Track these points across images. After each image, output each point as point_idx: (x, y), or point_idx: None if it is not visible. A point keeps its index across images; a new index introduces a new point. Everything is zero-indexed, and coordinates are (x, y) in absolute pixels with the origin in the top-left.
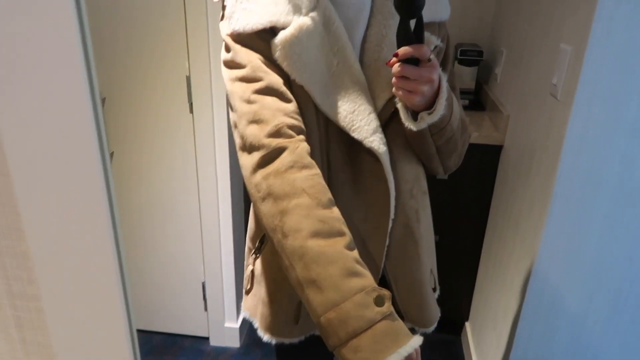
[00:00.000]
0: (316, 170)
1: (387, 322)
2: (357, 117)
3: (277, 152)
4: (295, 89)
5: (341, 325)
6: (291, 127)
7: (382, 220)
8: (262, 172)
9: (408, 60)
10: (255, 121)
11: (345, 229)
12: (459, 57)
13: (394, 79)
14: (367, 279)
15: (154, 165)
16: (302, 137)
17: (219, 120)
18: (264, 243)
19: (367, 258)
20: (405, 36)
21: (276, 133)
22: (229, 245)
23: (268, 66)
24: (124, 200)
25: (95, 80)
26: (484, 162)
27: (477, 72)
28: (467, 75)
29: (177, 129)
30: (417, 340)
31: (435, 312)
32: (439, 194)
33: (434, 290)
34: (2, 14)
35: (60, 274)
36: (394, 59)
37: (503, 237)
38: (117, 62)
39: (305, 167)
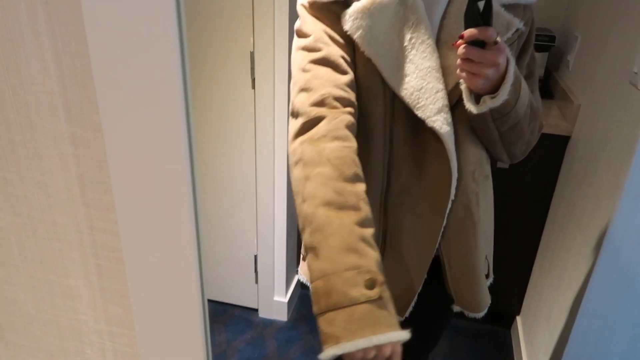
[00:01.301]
0: (350, 143)
1: (370, 306)
2: (424, 95)
3: (316, 120)
4: (364, 62)
5: (325, 295)
6: (337, 99)
7: (441, 200)
8: (300, 139)
9: (474, 43)
10: (305, 89)
11: (364, 206)
12: None
13: (458, 61)
14: (366, 260)
15: (214, 137)
16: (348, 109)
17: (280, 96)
18: None
19: (421, 236)
20: (472, 17)
21: (320, 102)
22: (282, 220)
23: (332, 38)
24: None
25: (185, 44)
26: (549, 153)
27: (547, 59)
28: (537, 61)
29: (239, 103)
30: (396, 335)
31: (486, 299)
32: (499, 182)
33: (487, 277)
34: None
35: (141, 230)
36: (460, 40)
37: (563, 232)
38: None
39: (338, 138)
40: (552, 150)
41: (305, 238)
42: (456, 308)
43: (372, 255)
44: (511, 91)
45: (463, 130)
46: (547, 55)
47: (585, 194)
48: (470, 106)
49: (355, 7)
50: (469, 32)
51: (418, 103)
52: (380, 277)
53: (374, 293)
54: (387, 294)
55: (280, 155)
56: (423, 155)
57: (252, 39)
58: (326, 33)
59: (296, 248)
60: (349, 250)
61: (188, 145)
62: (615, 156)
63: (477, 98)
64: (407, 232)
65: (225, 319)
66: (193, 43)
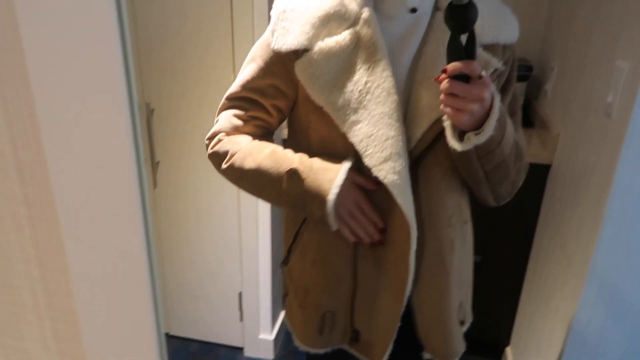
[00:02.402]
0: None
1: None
2: (372, 143)
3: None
4: (318, 110)
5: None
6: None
7: (405, 249)
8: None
9: (458, 77)
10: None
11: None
12: None
13: (442, 96)
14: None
15: (197, 174)
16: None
17: None
18: (291, 253)
19: (390, 284)
20: (456, 51)
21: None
22: (266, 256)
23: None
24: (167, 207)
25: (135, 92)
26: (531, 182)
27: (526, 88)
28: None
29: None
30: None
31: (459, 347)
32: (483, 212)
33: (463, 323)
34: (41, 16)
35: (96, 291)
36: (443, 75)
37: (549, 260)
38: (166, 76)
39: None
40: (534, 179)
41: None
42: (426, 355)
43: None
44: (496, 127)
45: (438, 174)
46: (526, 85)
47: (569, 221)
48: (454, 143)
49: (303, 58)
50: (453, 65)
51: (366, 150)
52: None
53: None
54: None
55: None
56: (385, 204)
57: (233, 76)
58: (269, 85)
59: (282, 283)
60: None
61: (141, 204)
62: (595, 184)
63: (460, 135)
64: (377, 280)
65: (210, 358)
66: (177, 82)
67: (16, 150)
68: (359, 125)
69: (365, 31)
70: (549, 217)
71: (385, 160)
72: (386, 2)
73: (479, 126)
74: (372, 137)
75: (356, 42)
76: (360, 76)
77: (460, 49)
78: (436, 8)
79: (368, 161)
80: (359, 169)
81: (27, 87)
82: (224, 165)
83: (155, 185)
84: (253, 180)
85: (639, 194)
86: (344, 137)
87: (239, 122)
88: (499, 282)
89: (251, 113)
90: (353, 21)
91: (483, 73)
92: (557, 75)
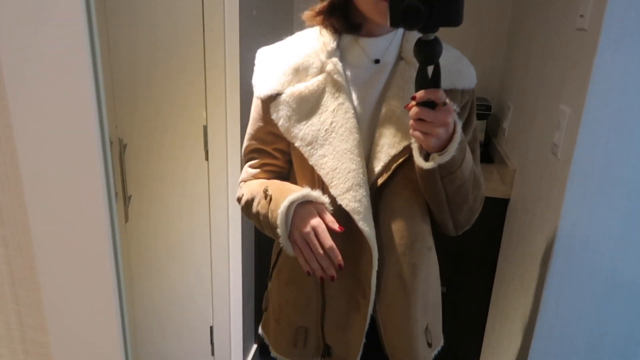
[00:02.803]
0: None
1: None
2: (337, 175)
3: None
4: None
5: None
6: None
7: (368, 269)
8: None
9: (425, 104)
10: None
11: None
12: None
13: (411, 121)
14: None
15: (168, 208)
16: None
17: (233, 168)
18: (273, 269)
19: (355, 300)
20: (423, 81)
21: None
22: (238, 290)
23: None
24: (138, 241)
25: (106, 127)
26: (492, 215)
27: (487, 125)
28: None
29: (193, 175)
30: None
31: None
32: (448, 244)
33: (431, 345)
34: (20, 50)
35: (69, 326)
36: (412, 102)
37: (509, 293)
38: (139, 111)
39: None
40: (494, 212)
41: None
42: None
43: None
44: (458, 149)
45: (398, 203)
46: (486, 122)
47: (524, 254)
48: (420, 162)
49: (279, 99)
50: (421, 93)
51: (332, 182)
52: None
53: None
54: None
55: (234, 225)
56: (350, 231)
57: (205, 113)
58: (261, 129)
59: (253, 316)
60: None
61: (111, 240)
62: (546, 219)
63: (426, 157)
64: (344, 298)
65: None
66: (150, 117)
67: None
68: (325, 159)
69: (331, 78)
70: (508, 250)
71: (348, 190)
72: (352, 54)
73: (442, 148)
74: (337, 170)
75: (323, 88)
76: (327, 117)
77: (427, 79)
78: (400, 57)
79: (333, 191)
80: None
81: (10, 134)
82: (241, 206)
83: (126, 219)
84: (248, 207)
85: (584, 234)
86: (312, 170)
87: (254, 171)
88: (465, 312)
89: (261, 161)
90: (321, 69)
91: (447, 100)
92: (513, 114)
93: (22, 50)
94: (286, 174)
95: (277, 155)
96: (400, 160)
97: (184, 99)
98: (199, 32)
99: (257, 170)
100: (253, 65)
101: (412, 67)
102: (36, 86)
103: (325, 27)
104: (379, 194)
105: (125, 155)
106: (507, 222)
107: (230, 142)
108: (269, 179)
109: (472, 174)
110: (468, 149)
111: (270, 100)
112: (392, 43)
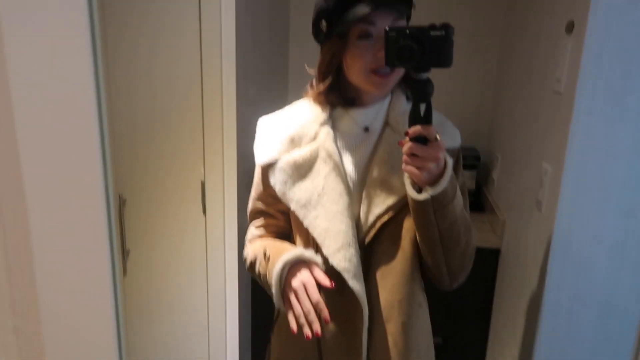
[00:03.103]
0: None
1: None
2: (328, 235)
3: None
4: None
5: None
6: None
7: (360, 325)
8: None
9: (418, 140)
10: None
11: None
12: None
13: (404, 157)
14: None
15: (166, 262)
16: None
17: (230, 223)
18: (275, 324)
19: (349, 355)
20: (416, 118)
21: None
22: (234, 343)
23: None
24: (136, 295)
25: (112, 187)
26: (485, 265)
27: (477, 174)
28: (466, 178)
29: (191, 229)
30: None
31: None
32: (443, 294)
33: None
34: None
35: None
36: (406, 138)
37: (503, 345)
38: (139, 167)
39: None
40: (486, 263)
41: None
42: None
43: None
44: (449, 182)
45: (388, 259)
46: (476, 172)
47: (516, 306)
48: (413, 194)
49: (275, 166)
50: (414, 129)
51: (324, 242)
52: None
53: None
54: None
55: (231, 277)
56: (341, 288)
57: (202, 169)
58: (261, 193)
59: (267, 351)
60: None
61: (113, 293)
62: (533, 273)
63: (419, 192)
64: (338, 351)
65: None
66: (149, 174)
67: (9, 273)
68: (317, 221)
69: (323, 146)
70: (501, 301)
71: (339, 249)
72: (343, 122)
73: (434, 183)
74: (328, 231)
75: (316, 155)
76: (319, 181)
77: (420, 116)
78: (386, 123)
79: (325, 251)
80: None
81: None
82: (247, 267)
83: (125, 273)
84: (252, 268)
85: (571, 285)
86: (307, 230)
87: (257, 232)
88: None
89: (263, 222)
90: (314, 138)
91: (438, 136)
92: (501, 165)
93: (35, 113)
94: (288, 232)
95: (279, 216)
96: (385, 218)
97: (183, 156)
98: (197, 90)
99: (261, 231)
100: (249, 122)
101: (397, 133)
102: (46, 144)
103: (322, 103)
104: (369, 252)
105: (124, 210)
106: (499, 273)
107: (227, 197)
108: (272, 238)
109: (463, 215)
110: (458, 189)
111: (268, 167)
112: (379, 111)
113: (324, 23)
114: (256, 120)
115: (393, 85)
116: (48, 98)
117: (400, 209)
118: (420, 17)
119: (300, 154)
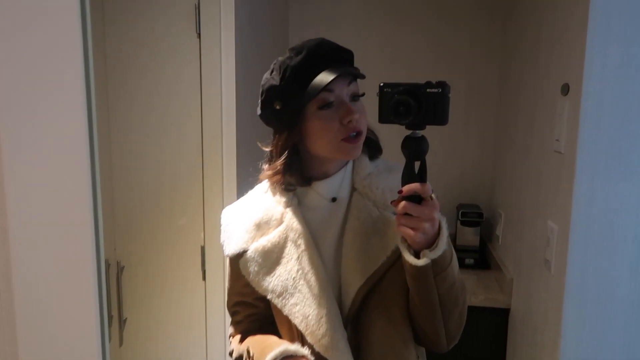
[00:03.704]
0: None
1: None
2: (310, 322)
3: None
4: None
5: None
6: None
7: None
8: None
9: (412, 198)
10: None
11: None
12: (460, 218)
13: (397, 217)
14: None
15: (164, 332)
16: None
17: None
18: None
19: None
20: (410, 176)
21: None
22: None
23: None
24: None
25: (102, 253)
26: (494, 325)
27: (480, 231)
28: (469, 234)
29: (190, 295)
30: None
31: None
32: (453, 357)
33: None
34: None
35: None
36: (399, 197)
37: None
38: (138, 233)
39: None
40: (496, 323)
41: None
42: None
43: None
44: (447, 243)
45: (376, 333)
46: (480, 229)
47: None
48: (412, 260)
49: (245, 256)
50: (408, 187)
51: (306, 330)
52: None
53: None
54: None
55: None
56: None
57: (202, 234)
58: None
59: None
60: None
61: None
62: (546, 337)
63: (416, 256)
64: None
65: None
66: (148, 240)
67: None
68: (297, 308)
69: (291, 227)
70: None
71: (323, 335)
72: (308, 197)
73: (430, 245)
74: (310, 317)
75: (285, 237)
76: (292, 265)
77: (414, 174)
78: (353, 189)
79: (310, 339)
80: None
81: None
82: None
83: (121, 342)
84: None
85: (587, 350)
86: (288, 320)
87: (239, 327)
88: None
89: (243, 314)
90: (280, 220)
91: (433, 195)
92: (505, 222)
93: (26, 180)
94: (271, 319)
95: (258, 304)
96: (366, 290)
97: (183, 224)
98: (198, 156)
99: (243, 325)
100: (251, 187)
101: (366, 197)
102: (37, 218)
103: (280, 185)
104: (356, 327)
105: (122, 277)
106: (510, 333)
107: (227, 262)
108: (254, 329)
109: (459, 276)
110: (454, 255)
111: (238, 258)
112: (344, 179)
113: (276, 103)
114: (258, 183)
115: (361, 148)
116: (40, 164)
117: (381, 277)
118: (416, 75)
119: (269, 239)
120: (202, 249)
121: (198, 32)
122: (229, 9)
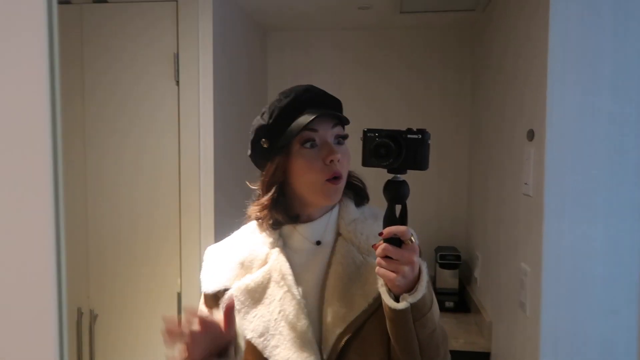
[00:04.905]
0: None
1: None
2: None
3: None
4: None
5: None
6: None
7: None
8: None
9: (392, 241)
10: None
11: None
12: (438, 260)
13: (377, 259)
14: None
15: None
16: None
17: None
18: None
19: None
20: (391, 219)
21: None
22: None
23: None
24: None
25: (65, 302)
26: None
27: (459, 273)
28: (448, 277)
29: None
30: None
31: None
32: None
33: None
34: None
35: None
36: (379, 241)
37: None
38: (111, 281)
39: None
40: None
41: None
42: None
43: None
44: (427, 288)
45: None
46: (458, 271)
47: None
48: (391, 303)
49: (226, 294)
50: (388, 229)
51: None
52: None
53: None
54: None
55: None
56: None
57: (179, 280)
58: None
59: None
60: None
61: None
62: None
63: (395, 299)
64: None
65: None
66: (122, 287)
67: None
68: (277, 350)
69: (275, 268)
70: None
71: None
72: (293, 239)
73: (410, 289)
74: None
75: (269, 278)
76: (275, 306)
77: (394, 217)
78: (338, 234)
79: None
80: None
81: None
82: None
83: None
84: None
85: None
86: None
87: None
88: None
89: None
90: (265, 261)
91: (413, 239)
92: (482, 264)
93: None
94: None
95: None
96: (347, 337)
97: (158, 267)
98: (175, 201)
99: None
100: (229, 231)
101: (349, 243)
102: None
103: (267, 221)
104: None
105: (95, 325)
106: None
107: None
108: None
109: (439, 324)
110: (435, 300)
111: (217, 296)
112: (328, 223)
113: (264, 141)
114: (237, 229)
115: (341, 193)
116: (2, 204)
117: (362, 324)
118: (391, 123)
119: (253, 278)
120: (179, 295)
121: (177, 79)
122: (207, 58)
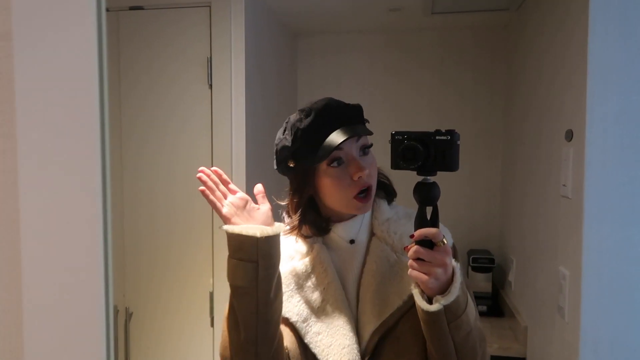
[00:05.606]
0: None
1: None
2: (332, 352)
3: None
4: (285, 323)
5: None
6: None
7: None
8: None
9: (423, 243)
10: None
11: None
12: (471, 264)
13: (409, 261)
14: None
15: None
16: None
17: None
18: None
19: None
20: (421, 221)
21: None
22: None
23: None
24: None
25: (111, 305)
26: None
27: (492, 277)
28: (481, 281)
29: (198, 342)
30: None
31: None
32: None
33: None
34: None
35: None
36: (411, 243)
37: None
38: (147, 279)
39: None
40: None
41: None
42: None
43: None
44: (461, 290)
45: None
46: (491, 275)
47: None
48: (425, 305)
49: None
50: (420, 232)
51: (327, 358)
52: None
53: None
54: None
55: None
56: None
57: (211, 280)
58: None
59: None
60: None
61: None
62: None
63: (429, 302)
64: None
65: None
66: (156, 285)
67: None
68: (319, 337)
69: (318, 260)
70: None
71: None
72: (329, 238)
73: (443, 291)
74: (332, 347)
75: (312, 268)
76: (318, 295)
77: (426, 219)
78: (372, 234)
79: None
80: None
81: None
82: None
83: None
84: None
85: None
86: (305, 349)
87: None
88: None
89: None
90: (307, 253)
91: (444, 240)
92: (517, 268)
93: (39, 231)
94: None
95: None
96: (381, 334)
97: (191, 266)
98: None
99: None
100: None
101: (383, 242)
102: (48, 264)
103: (300, 236)
104: None
105: (130, 323)
106: None
107: None
108: None
109: (477, 324)
110: (470, 300)
111: None
112: (362, 223)
113: (290, 161)
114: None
115: (372, 202)
116: (53, 210)
117: (396, 322)
118: (422, 124)
119: (299, 265)
120: (211, 295)
121: (210, 83)
122: (239, 62)
